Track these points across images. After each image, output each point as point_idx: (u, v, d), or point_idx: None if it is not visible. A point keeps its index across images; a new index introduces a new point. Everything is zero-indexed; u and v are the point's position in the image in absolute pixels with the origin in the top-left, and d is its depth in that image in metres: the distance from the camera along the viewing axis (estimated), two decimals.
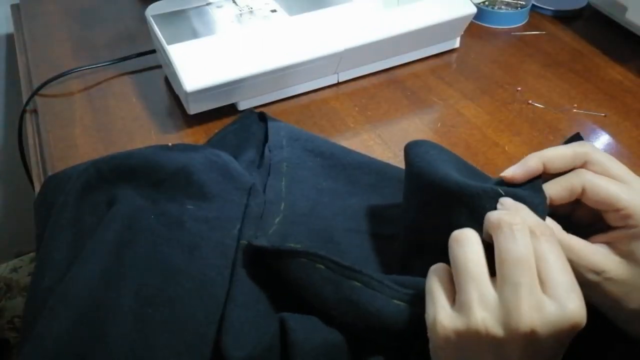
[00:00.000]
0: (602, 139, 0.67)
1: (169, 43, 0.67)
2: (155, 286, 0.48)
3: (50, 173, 0.63)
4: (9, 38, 1.07)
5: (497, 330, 0.33)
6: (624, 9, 0.79)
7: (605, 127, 0.69)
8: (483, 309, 0.34)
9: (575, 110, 0.71)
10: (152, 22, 0.70)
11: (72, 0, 0.95)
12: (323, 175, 0.58)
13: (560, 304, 0.33)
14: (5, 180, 1.27)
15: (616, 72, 0.78)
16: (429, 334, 0.36)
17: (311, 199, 0.55)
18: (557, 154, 0.40)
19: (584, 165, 0.40)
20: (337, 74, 0.75)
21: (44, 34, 0.87)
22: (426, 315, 0.37)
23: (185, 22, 0.71)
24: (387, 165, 0.61)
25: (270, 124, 0.64)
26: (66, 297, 0.45)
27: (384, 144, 0.67)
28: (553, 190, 0.40)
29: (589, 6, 0.90)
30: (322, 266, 0.44)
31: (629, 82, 0.76)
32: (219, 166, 0.57)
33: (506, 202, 0.38)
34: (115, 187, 0.55)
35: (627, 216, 0.38)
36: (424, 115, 0.71)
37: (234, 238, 0.50)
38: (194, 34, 0.69)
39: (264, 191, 0.56)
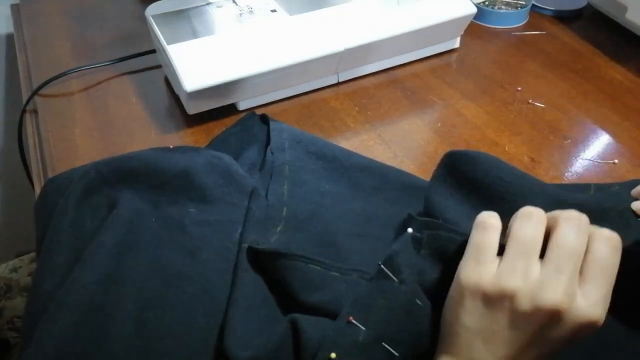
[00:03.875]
0: (602, 139, 0.67)
1: (168, 43, 0.67)
2: (156, 290, 0.48)
3: (50, 173, 0.63)
4: (9, 38, 1.07)
5: (524, 303, 0.36)
6: (624, 8, 0.79)
7: (606, 127, 0.69)
8: (522, 281, 0.36)
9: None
10: (152, 21, 0.70)
11: (72, 0, 0.95)
12: (325, 178, 0.58)
13: (589, 303, 0.36)
14: (5, 180, 1.27)
15: (616, 72, 0.78)
16: (456, 285, 0.39)
17: (313, 203, 0.55)
18: None
19: None
20: (337, 74, 0.75)
21: (43, 34, 0.87)
22: (463, 266, 0.39)
23: (185, 22, 0.71)
24: (390, 168, 0.61)
25: (272, 126, 0.64)
26: (67, 302, 0.46)
27: (384, 144, 0.67)
28: None
29: (589, 6, 0.90)
30: (316, 266, 0.46)
31: (629, 82, 0.76)
32: (220, 169, 0.57)
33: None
34: (116, 190, 0.55)
35: None
36: (424, 115, 0.71)
37: (236, 242, 0.50)
38: (194, 34, 0.69)
39: (266, 194, 0.56)
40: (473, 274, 0.38)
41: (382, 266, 0.42)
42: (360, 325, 0.40)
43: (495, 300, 0.37)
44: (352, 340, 0.40)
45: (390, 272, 0.42)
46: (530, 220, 0.38)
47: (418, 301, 0.41)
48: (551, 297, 0.35)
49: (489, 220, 0.39)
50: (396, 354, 0.40)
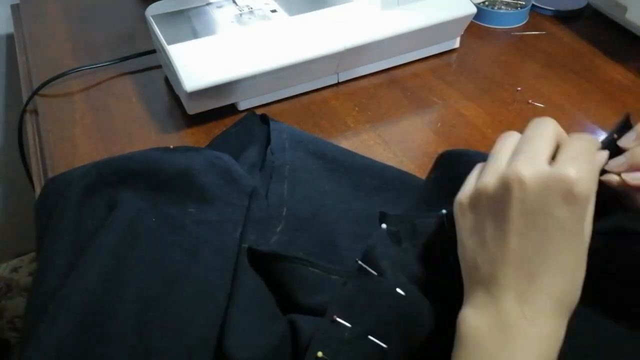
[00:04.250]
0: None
1: (169, 43, 0.67)
2: (156, 290, 0.48)
3: (50, 173, 0.63)
4: (9, 38, 1.07)
5: (491, 180, 0.35)
6: (623, 8, 0.79)
7: (605, 127, 0.69)
8: (490, 173, 0.36)
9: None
10: (152, 22, 0.70)
11: (72, 0, 0.95)
12: (326, 178, 0.58)
13: (556, 166, 0.33)
14: (5, 180, 1.27)
15: (616, 72, 0.78)
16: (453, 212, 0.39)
17: (314, 203, 0.55)
18: None
19: None
20: (337, 74, 0.75)
21: (44, 34, 0.87)
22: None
23: (185, 22, 0.71)
24: (390, 167, 0.61)
25: (272, 126, 0.64)
26: (67, 302, 0.46)
27: (384, 144, 0.67)
28: None
29: (588, 6, 0.90)
30: (316, 270, 0.46)
31: (628, 81, 0.76)
32: (220, 169, 0.57)
33: None
34: (116, 190, 0.55)
35: None
36: (424, 115, 0.71)
37: (236, 242, 0.50)
38: (194, 34, 0.69)
39: (266, 194, 0.56)
40: (461, 194, 0.39)
41: (360, 262, 0.43)
42: (345, 323, 0.40)
43: (475, 201, 0.37)
44: (339, 338, 0.40)
45: (369, 266, 0.42)
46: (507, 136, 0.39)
47: (400, 291, 0.41)
48: (510, 168, 0.34)
49: None
50: (384, 346, 0.40)
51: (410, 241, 0.45)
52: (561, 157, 0.34)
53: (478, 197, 0.36)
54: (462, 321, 0.36)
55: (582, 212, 0.33)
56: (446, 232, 0.42)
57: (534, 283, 0.34)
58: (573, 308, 0.35)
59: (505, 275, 0.34)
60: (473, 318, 0.35)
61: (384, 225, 0.45)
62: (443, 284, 0.42)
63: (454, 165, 0.50)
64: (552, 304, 0.34)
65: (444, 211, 0.44)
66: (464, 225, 0.37)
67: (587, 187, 0.33)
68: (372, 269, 0.42)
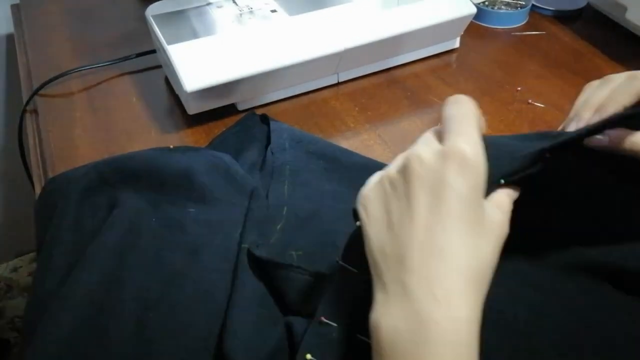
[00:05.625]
0: None
1: (169, 43, 0.67)
2: (156, 290, 0.48)
3: (50, 173, 0.63)
4: (9, 38, 1.07)
5: (393, 166, 0.35)
6: (623, 9, 0.79)
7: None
8: (393, 163, 0.36)
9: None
10: (152, 22, 0.71)
11: (72, 0, 0.95)
12: (326, 178, 0.58)
13: (448, 142, 0.33)
14: (5, 180, 1.27)
15: (616, 72, 0.77)
16: None
17: (314, 202, 0.55)
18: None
19: None
20: (337, 74, 0.75)
21: (44, 34, 0.88)
22: None
23: (185, 22, 0.71)
24: None
25: (272, 126, 0.64)
26: (67, 302, 0.46)
27: (384, 144, 0.67)
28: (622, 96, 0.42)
29: (588, 6, 0.90)
30: (311, 278, 0.46)
31: None
32: (220, 169, 0.57)
33: None
34: (117, 190, 0.55)
35: None
36: (423, 115, 0.71)
37: (236, 242, 0.51)
38: (194, 34, 0.69)
39: (267, 194, 0.56)
40: (364, 188, 0.38)
41: (340, 262, 0.42)
42: (332, 323, 0.40)
43: (379, 188, 0.36)
44: (327, 339, 0.40)
45: (349, 264, 0.42)
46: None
47: None
48: (409, 152, 0.35)
49: None
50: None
51: None
52: (449, 131, 0.34)
53: (381, 184, 0.36)
54: (376, 326, 0.33)
55: (477, 180, 0.33)
56: None
57: (441, 260, 0.32)
58: (486, 287, 0.33)
59: (412, 256, 0.32)
60: (387, 317, 0.32)
61: (358, 223, 0.45)
62: None
63: None
64: (463, 282, 0.31)
65: None
66: (370, 215, 0.36)
67: (479, 154, 0.33)
68: (353, 267, 0.42)
